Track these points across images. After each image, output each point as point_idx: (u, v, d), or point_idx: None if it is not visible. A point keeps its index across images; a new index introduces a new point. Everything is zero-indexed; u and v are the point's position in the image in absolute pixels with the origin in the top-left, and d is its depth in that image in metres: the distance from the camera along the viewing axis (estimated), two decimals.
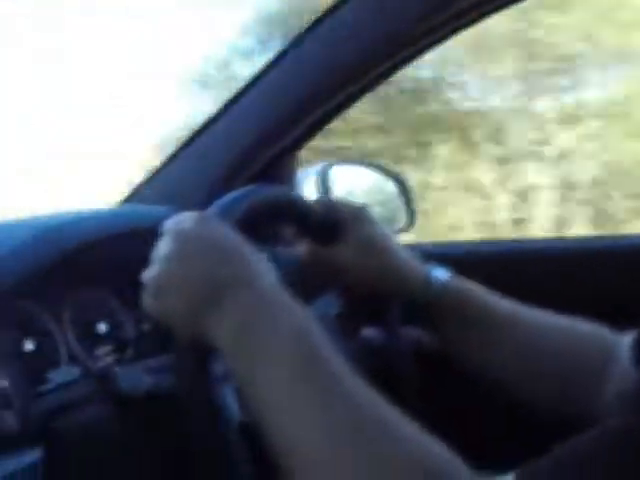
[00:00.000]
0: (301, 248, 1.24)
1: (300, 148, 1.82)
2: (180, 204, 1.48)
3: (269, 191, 1.14)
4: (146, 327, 1.56)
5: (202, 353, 0.91)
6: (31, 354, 1.31)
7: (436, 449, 0.78)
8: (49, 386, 1.31)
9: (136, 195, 1.71)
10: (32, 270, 1.24)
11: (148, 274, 0.94)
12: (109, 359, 1.44)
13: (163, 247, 0.94)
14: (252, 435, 0.94)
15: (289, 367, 0.82)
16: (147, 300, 0.94)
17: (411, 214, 1.90)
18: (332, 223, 1.20)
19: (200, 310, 0.88)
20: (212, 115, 1.73)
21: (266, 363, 0.83)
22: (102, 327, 1.49)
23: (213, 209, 1.00)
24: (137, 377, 1.06)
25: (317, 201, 1.23)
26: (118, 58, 5.75)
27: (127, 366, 1.06)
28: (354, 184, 1.96)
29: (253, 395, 0.84)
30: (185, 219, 0.96)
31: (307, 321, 0.86)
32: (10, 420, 1.10)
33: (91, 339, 1.47)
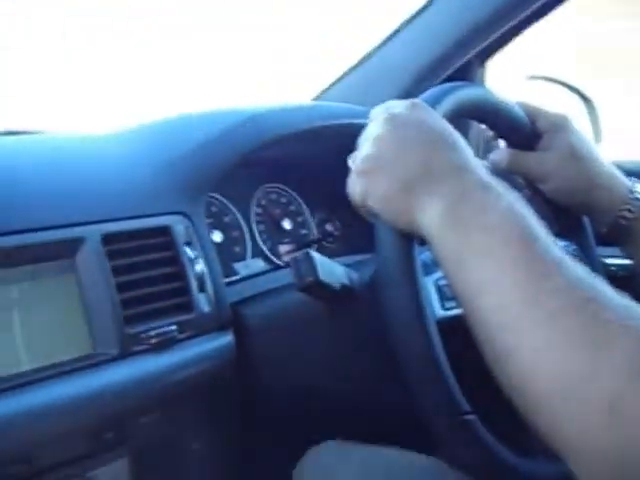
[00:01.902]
0: (499, 152, 1.20)
1: (489, 58, 1.76)
2: (367, 106, 1.46)
3: (476, 89, 1.10)
4: (330, 228, 1.57)
5: (407, 239, 0.89)
6: (219, 245, 1.33)
7: None
8: (236, 277, 1.33)
9: (325, 95, 1.69)
10: (226, 161, 1.25)
11: (357, 156, 0.92)
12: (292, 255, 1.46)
13: (374, 129, 0.91)
14: (449, 332, 0.92)
15: (503, 250, 0.79)
16: (354, 182, 0.92)
17: (597, 132, 1.82)
18: (534, 129, 1.15)
19: (409, 193, 0.86)
20: (403, 21, 1.70)
21: (479, 248, 0.80)
22: (287, 224, 1.49)
23: (424, 97, 0.97)
24: (334, 268, 1.06)
25: (520, 105, 1.18)
26: None
27: (323, 260, 1.05)
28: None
29: (462, 281, 0.81)
30: (396, 104, 0.93)
31: (522, 206, 0.83)
32: (204, 303, 1.12)
33: (276, 235, 1.48)
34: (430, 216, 0.84)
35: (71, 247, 1.02)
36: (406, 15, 1.69)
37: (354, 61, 1.71)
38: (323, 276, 1.02)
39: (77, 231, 1.03)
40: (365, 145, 0.91)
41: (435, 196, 0.84)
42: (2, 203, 1.01)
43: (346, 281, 1.07)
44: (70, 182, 1.11)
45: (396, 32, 1.66)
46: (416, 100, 0.94)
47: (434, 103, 0.95)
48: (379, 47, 1.67)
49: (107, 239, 1.04)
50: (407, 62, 1.66)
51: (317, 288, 1.04)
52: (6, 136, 1.31)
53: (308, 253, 1.02)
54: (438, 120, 0.91)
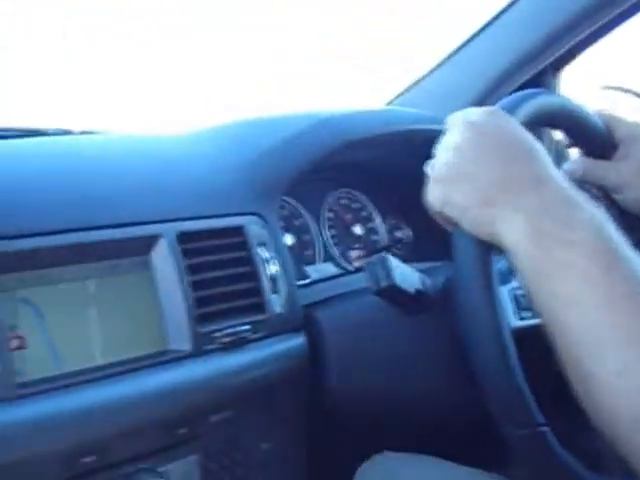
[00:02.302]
0: (574, 161, 1.19)
1: (562, 67, 1.74)
2: (440, 112, 1.46)
3: (554, 97, 1.09)
4: (400, 235, 1.57)
5: (484, 248, 0.88)
6: (290, 248, 1.34)
7: None
8: (307, 280, 1.34)
9: (398, 100, 1.69)
10: (299, 164, 1.25)
11: (434, 164, 0.92)
12: (362, 261, 1.46)
13: (453, 137, 0.90)
14: (524, 343, 0.91)
15: (587, 267, 0.78)
16: (432, 190, 0.91)
17: None
18: (611, 138, 1.13)
19: (489, 204, 0.85)
20: (477, 29, 1.69)
21: (561, 263, 0.79)
22: (358, 230, 1.49)
23: (501, 105, 0.96)
24: (409, 273, 1.06)
25: (598, 114, 1.16)
26: None
27: (399, 265, 1.05)
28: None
29: (542, 295, 0.80)
30: (475, 112, 0.92)
31: (604, 219, 0.82)
32: (277, 304, 1.12)
33: (346, 240, 1.48)
34: (511, 228, 0.83)
35: (147, 244, 1.03)
36: (479, 22, 1.68)
37: (428, 68, 1.70)
38: (398, 281, 1.02)
39: (153, 228, 1.04)
40: (443, 152, 0.90)
41: (516, 208, 0.83)
42: (81, 200, 1.02)
43: (420, 287, 1.07)
44: (146, 181, 1.12)
45: (470, 39, 1.65)
46: (494, 108, 0.93)
47: (512, 110, 0.94)
48: (453, 54, 1.66)
49: (182, 237, 1.05)
50: (481, 70, 1.65)
51: (392, 292, 1.04)
52: (81, 135, 1.34)
53: (384, 257, 1.02)
54: (517, 128, 0.90)
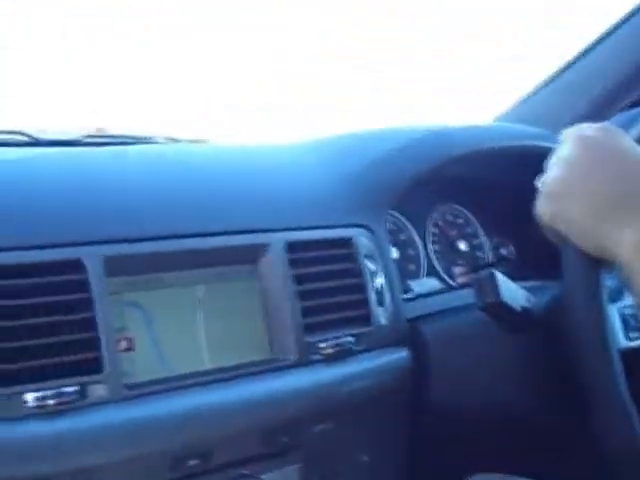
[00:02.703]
0: None
1: None
2: (547, 129, 1.44)
3: None
4: (504, 252, 1.54)
5: (595, 264, 0.87)
6: (395, 262, 1.33)
7: None
8: (411, 295, 1.33)
9: (506, 116, 1.68)
10: (407, 177, 1.25)
11: (547, 178, 0.90)
12: (465, 278, 1.44)
13: (565, 151, 0.89)
14: (631, 364, 0.89)
15: None
16: (543, 205, 0.90)
17: None
18: None
19: (602, 220, 0.83)
20: (585, 47, 1.66)
21: None
22: (462, 246, 1.48)
23: (615, 121, 0.95)
24: (515, 291, 1.04)
25: None
26: None
27: (506, 281, 1.04)
28: None
29: None
30: (588, 127, 0.91)
31: None
32: (382, 317, 1.12)
33: (450, 256, 1.47)
34: (624, 246, 0.81)
35: (255, 252, 1.04)
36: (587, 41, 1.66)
37: (536, 84, 1.69)
38: (505, 297, 1.01)
39: (262, 237, 1.05)
40: (555, 167, 0.89)
41: (630, 226, 0.82)
42: (192, 207, 1.04)
43: (527, 304, 1.05)
44: (255, 190, 1.13)
45: (579, 57, 1.63)
46: (608, 124, 0.92)
47: (626, 127, 0.92)
48: (560, 72, 1.64)
49: (291, 247, 1.06)
50: (588, 88, 1.63)
51: (498, 309, 1.02)
52: (189, 144, 1.36)
53: (492, 273, 1.01)
54: (631, 145, 0.88)
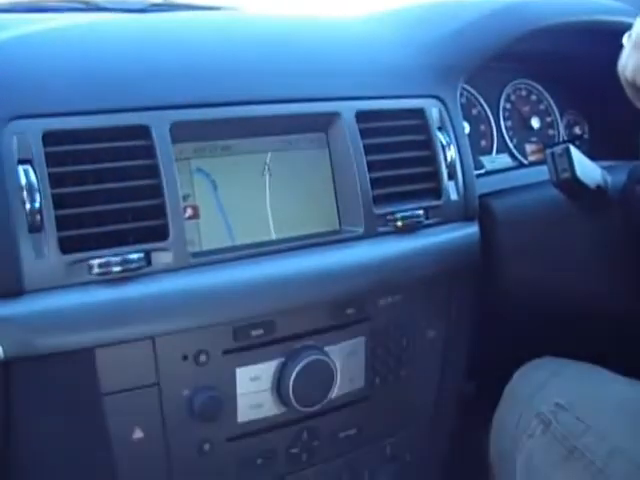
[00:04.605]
0: None
1: None
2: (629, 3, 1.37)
3: None
4: (578, 131, 1.50)
5: None
6: (467, 137, 1.29)
7: None
8: (482, 170, 1.30)
9: None
10: (483, 49, 1.20)
11: (635, 29, 0.85)
12: (538, 156, 1.40)
13: None
14: None
15: None
16: (628, 56, 0.84)
17: None
18: None
19: None
20: None
21: None
22: (535, 123, 1.44)
23: None
24: (591, 168, 1.00)
25: None
26: None
27: (581, 158, 1.00)
28: None
29: None
30: None
31: None
32: (452, 191, 1.09)
33: (523, 133, 1.42)
34: None
35: (325, 121, 1.01)
36: None
37: None
38: (580, 174, 0.97)
39: (332, 105, 1.02)
40: None
41: None
42: (260, 73, 1.01)
43: (602, 182, 1.02)
44: (327, 59, 1.10)
45: None
46: None
47: None
48: None
49: (361, 116, 1.03)
50: None
51: (572, 185, 0.99)
52: (254, 14, 1.32)
53: (568, 148, 0.97)
54: None
